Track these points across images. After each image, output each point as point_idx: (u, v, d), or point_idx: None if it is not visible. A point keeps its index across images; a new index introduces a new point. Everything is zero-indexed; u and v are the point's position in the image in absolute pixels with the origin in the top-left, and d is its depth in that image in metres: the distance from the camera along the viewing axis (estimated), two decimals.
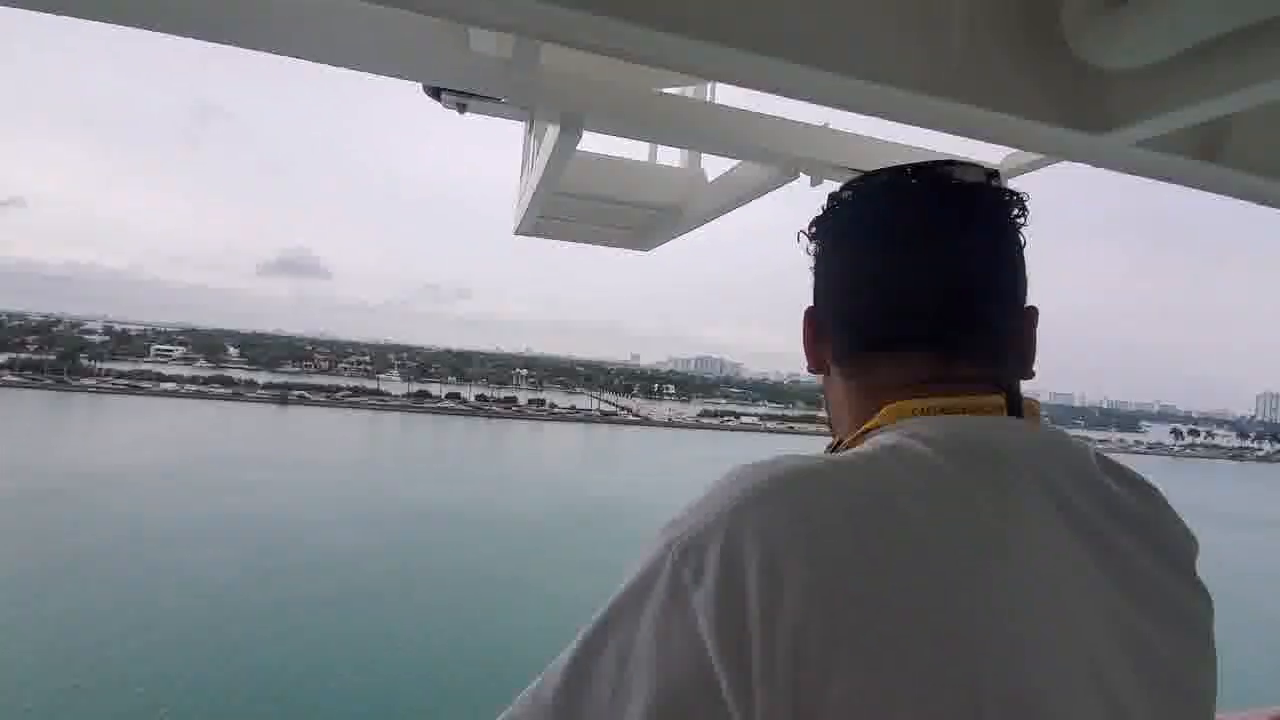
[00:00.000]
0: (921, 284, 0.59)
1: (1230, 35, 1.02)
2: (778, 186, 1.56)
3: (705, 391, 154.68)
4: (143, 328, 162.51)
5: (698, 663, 0.45)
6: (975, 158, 1.58)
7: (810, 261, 0.70)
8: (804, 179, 1.58)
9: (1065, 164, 1.48)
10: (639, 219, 2.26)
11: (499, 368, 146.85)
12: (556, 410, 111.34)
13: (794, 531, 0.46)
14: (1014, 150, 1.41)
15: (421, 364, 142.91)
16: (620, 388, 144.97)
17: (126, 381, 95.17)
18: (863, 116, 1.24)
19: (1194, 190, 1.45)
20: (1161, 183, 1.46)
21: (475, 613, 25.27)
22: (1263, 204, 1.52)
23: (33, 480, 38.27)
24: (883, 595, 0.44)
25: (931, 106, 1.17)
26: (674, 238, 2.29)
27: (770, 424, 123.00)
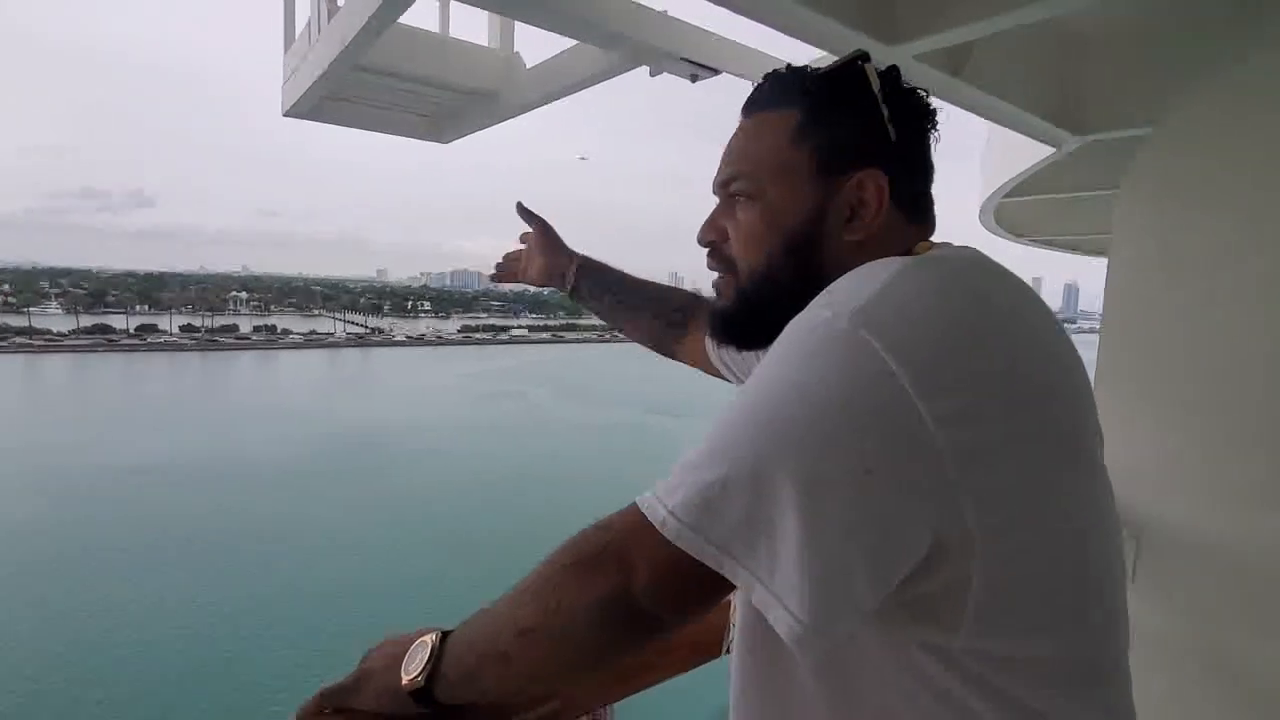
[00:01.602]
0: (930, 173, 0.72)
1: None
2: (614, 75, 1.54)
3: (464, 306, 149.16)
4: None
5: (882, 369, 0.50)
6: (791, 57, 1.73)
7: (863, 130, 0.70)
8: (633, 72, 1.58)
9: None
10: (444, 104, 2.05)
11: (208, 291, 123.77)
12: (292, 336, 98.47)
13: (925, 305, 0.55)
14: (823, 53, 1.57)
15: (94, 291, 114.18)
16: (368, 307, 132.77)
17: None
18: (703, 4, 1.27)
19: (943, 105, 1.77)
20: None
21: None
22: (985, 117, 1.92)
23: None
24: (999, 348, 0.55)
25: None
26: (481, 128, 2.13)
27: (546, 334, 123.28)
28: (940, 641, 0.54)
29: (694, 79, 1.53)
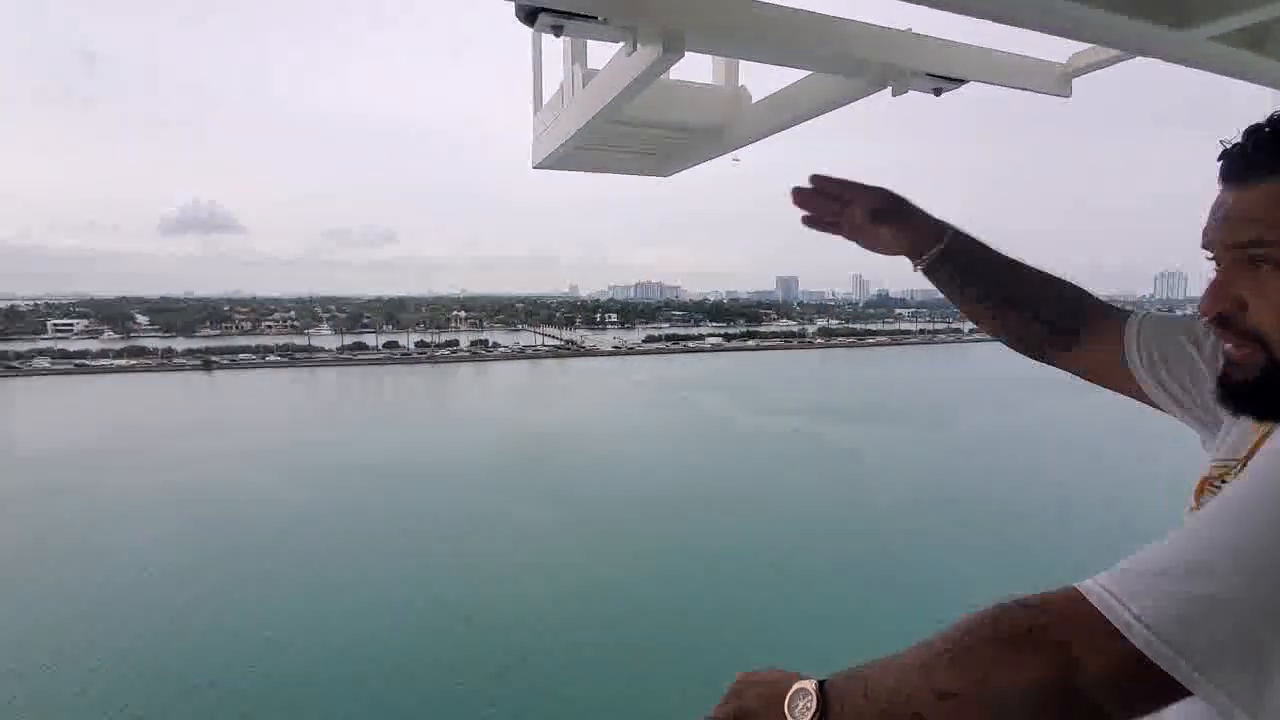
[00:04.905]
0: None
1: None
2: (852, 101, 1.54)
3: (647, 317, 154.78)
4: (33, 302, 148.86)
5: None
6: (1043, 55, 1.60)
7: None
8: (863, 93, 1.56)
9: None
10: (669, 142, 2.20)
11: (435, 311, 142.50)
12: (502, 349, 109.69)
13: None
14: (1088, 45, 1.43)
15: (353, 314, 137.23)
16: (562, 321, 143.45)
17: (69, 360, 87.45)
18: (940, 13, 1.22)
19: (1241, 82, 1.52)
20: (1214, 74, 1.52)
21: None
22: None
23: None
24: None
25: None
26: (703, 161, 2.24)
27: (751, 343, 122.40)
28: None
29: (938, 93, 1.48)
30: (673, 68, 2.05)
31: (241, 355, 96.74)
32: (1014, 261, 1.13)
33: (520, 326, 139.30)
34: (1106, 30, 1.28)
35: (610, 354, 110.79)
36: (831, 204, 1.17)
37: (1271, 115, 0.65)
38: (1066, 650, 0.55)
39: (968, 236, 1.16)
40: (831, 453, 41.53)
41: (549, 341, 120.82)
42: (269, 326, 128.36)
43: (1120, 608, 0.54)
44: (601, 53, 1.67)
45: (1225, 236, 0.67)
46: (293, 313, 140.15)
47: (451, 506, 31.06)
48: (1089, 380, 1.08)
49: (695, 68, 2.06)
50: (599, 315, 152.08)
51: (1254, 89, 1.52)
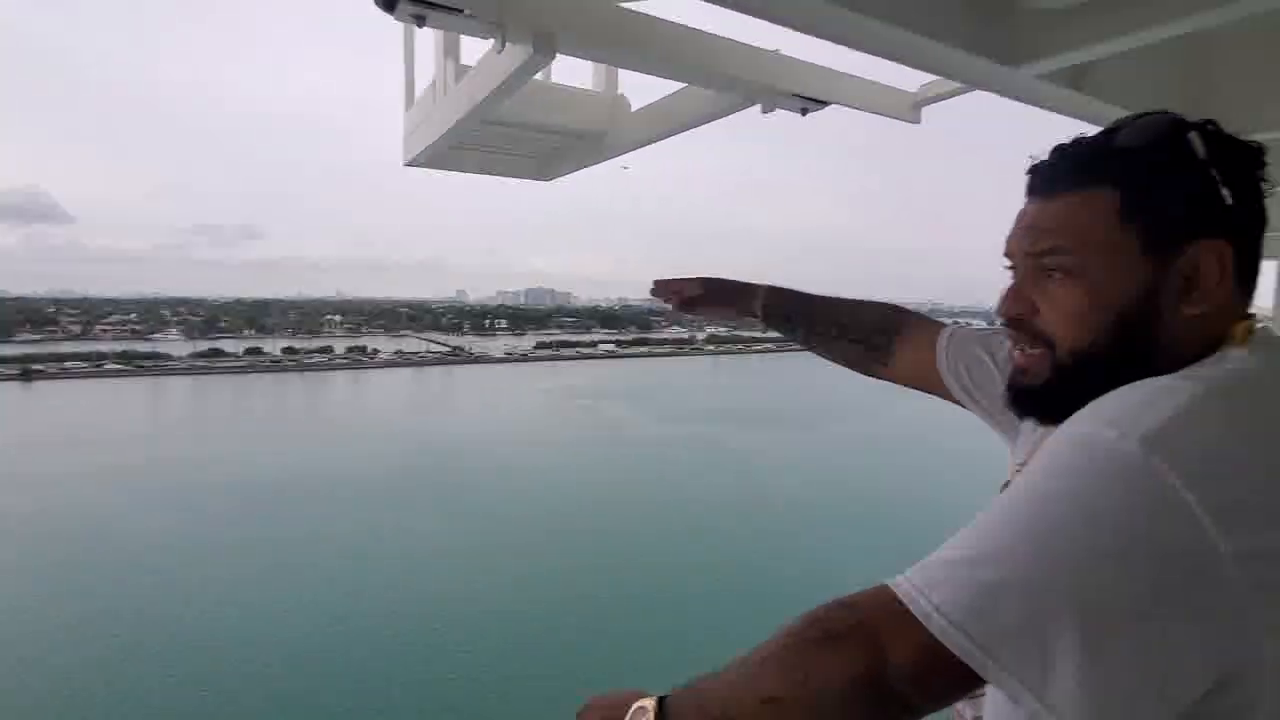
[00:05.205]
0: None
1: None
2: (725, 115, 1.58)
3: (538, 323, 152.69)
4: None
5: (1174, 500, 0.50)
6: (899, 86, 1.72)
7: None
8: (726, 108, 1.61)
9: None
10: (551, 146, 2.15)
11: (306, 315, 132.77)
12: (381, 356, 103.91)
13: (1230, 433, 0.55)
14: (934, 78, 1.55)
15: (208, 318, 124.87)
16: (449, 326, 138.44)
17: None
18: (800, 36, 1.28)
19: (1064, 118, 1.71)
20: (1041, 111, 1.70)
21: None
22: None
23: None
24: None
25: (866, 28, 1.24)
26: (585, 166, 2.22)
27: (642, 350, 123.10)
28: None
29: (804, 113, 1.55)
30: (554, 73, 2.03)
31: (70, 363, 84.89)
32: (824, 297, 1.30)
33: (404, 332, 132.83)
34: (947, 64, 1.40)
35: (500, 361, 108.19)
36: (674, 294, 1.38)
37: (1076, 136, 0.72)
38: (876, 644, 0.56)
39: (780, 289, 1.33)
40: (722, 454, 43.03)
41: (435, 348, 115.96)
42: (104, 330, 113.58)
43: (922, 599, 0.55)
44: (476, 49, 1.60)
45: (1026, 245, 0.71)
46: (134, 315, 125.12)
47: (330, 524, 28.93)
48: (916, 389, 1.17)
49: (575, 73, 2.04)
50: (489, 321, 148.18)
51: (1074, 123, 1.72)
